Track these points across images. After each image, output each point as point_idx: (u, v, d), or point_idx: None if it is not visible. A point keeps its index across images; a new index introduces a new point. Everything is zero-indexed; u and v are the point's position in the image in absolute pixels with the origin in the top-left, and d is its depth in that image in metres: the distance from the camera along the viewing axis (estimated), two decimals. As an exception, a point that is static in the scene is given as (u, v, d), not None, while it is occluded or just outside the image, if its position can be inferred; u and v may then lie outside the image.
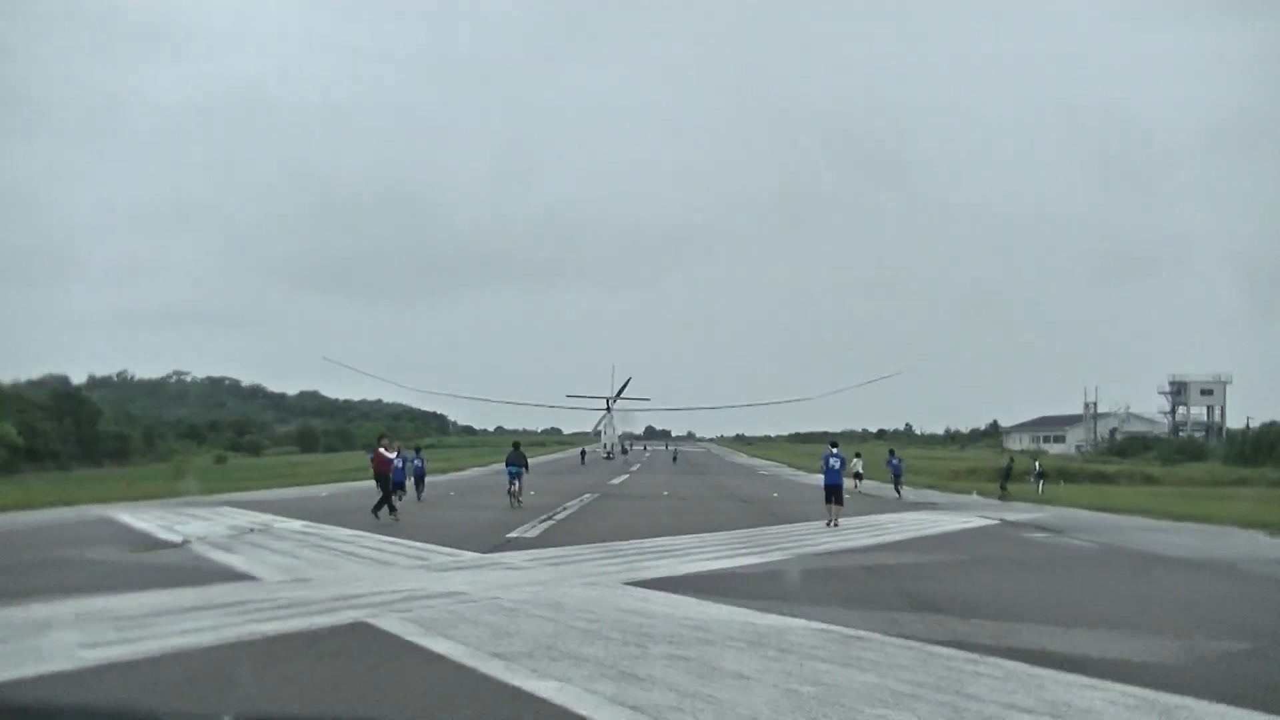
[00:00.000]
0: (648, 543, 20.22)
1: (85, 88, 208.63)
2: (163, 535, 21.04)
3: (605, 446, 49.43)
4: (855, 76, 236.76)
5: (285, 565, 15.76)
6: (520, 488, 29.91)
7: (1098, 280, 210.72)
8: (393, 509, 25.19)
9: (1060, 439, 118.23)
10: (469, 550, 18.08)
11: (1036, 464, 45.07)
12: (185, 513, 27.36)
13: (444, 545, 18.79)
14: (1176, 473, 69.72)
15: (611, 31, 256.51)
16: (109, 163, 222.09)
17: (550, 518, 26.72)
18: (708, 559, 17.57)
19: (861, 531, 24.19)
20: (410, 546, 18.68)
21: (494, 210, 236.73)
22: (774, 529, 24.83)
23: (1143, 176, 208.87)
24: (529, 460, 31.92)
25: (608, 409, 49.63)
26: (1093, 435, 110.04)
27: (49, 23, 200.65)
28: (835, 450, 27.02)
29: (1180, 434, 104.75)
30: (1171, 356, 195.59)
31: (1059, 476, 61.41)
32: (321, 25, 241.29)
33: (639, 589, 13.34)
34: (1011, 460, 45.11)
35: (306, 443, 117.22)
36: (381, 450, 25.59)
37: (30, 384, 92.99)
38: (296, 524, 23.72)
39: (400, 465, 28.44)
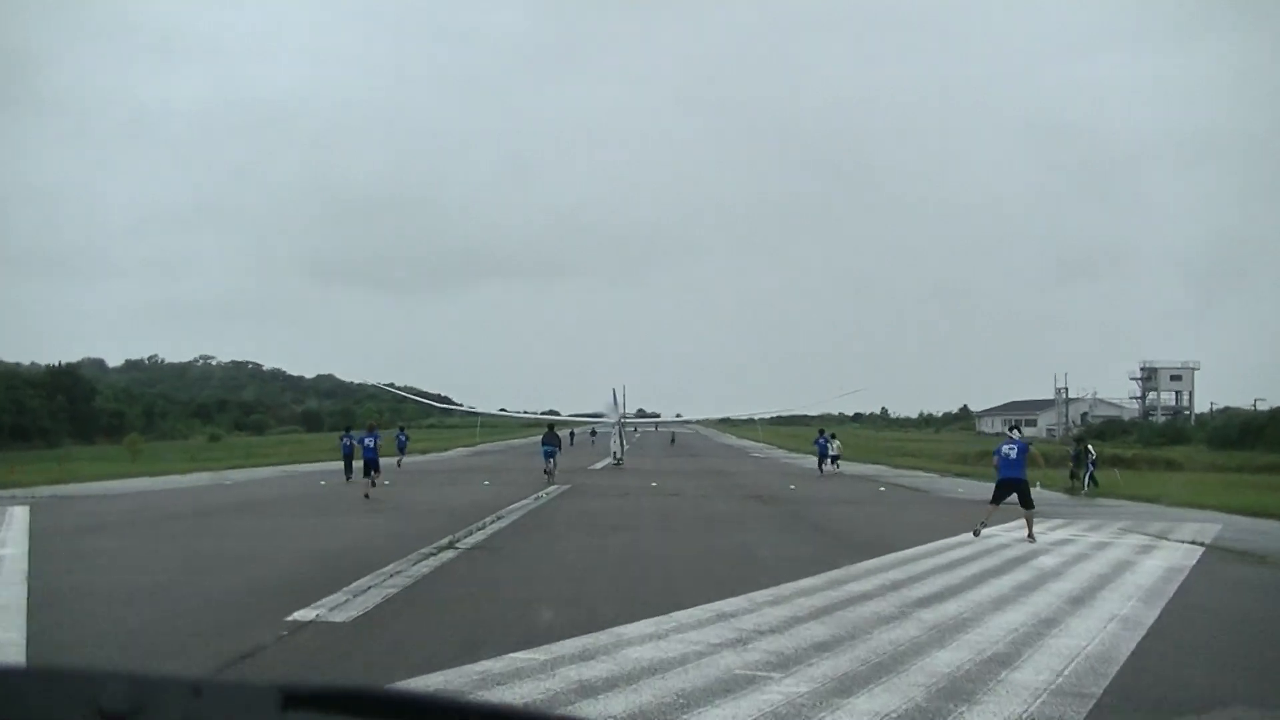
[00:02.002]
0: (593, 669, 6.92)
1: (121, 97, 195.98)
2: None
3: (614, 455, 41.06)
4: (834, 89, 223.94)
5: None
6: (554, 465, 28.80)
7: (1060, 274, 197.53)
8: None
9: (1031, 423, 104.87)
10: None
11: (1089, 449, 31.68)
12: None
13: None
14: (1194, 457, 56.52)
15: (607, 48, 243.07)
16: (144, 167, 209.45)
17: (453, 545, 13.41)
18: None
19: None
20: None
21: (498, 212, 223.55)
22: (897, 581, 11.51)
23: (1103, 177, 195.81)
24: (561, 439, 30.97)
25: (617, 424, 44.04)
26: (1064, 420, 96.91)
27: (90, 37, 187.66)
28: (1015, 435, 17.00)
29: (1150, 418, 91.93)
30: (1127, 346, 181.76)
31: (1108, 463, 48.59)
32: (337, 41, 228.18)
33: None
34: (1082, 445, 31.78)
35: (312, 423, 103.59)
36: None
37: (66, 366, 78.90)
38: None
39: (372, 445, 24.03)
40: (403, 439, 38.40)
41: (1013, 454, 15.44)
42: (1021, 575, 11.66)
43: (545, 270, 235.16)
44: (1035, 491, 29.07)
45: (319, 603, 8.95)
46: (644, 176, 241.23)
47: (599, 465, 40.94)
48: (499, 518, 17.45)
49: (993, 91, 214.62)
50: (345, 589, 9.64)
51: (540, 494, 23.64)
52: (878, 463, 48.07)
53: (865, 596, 9.87)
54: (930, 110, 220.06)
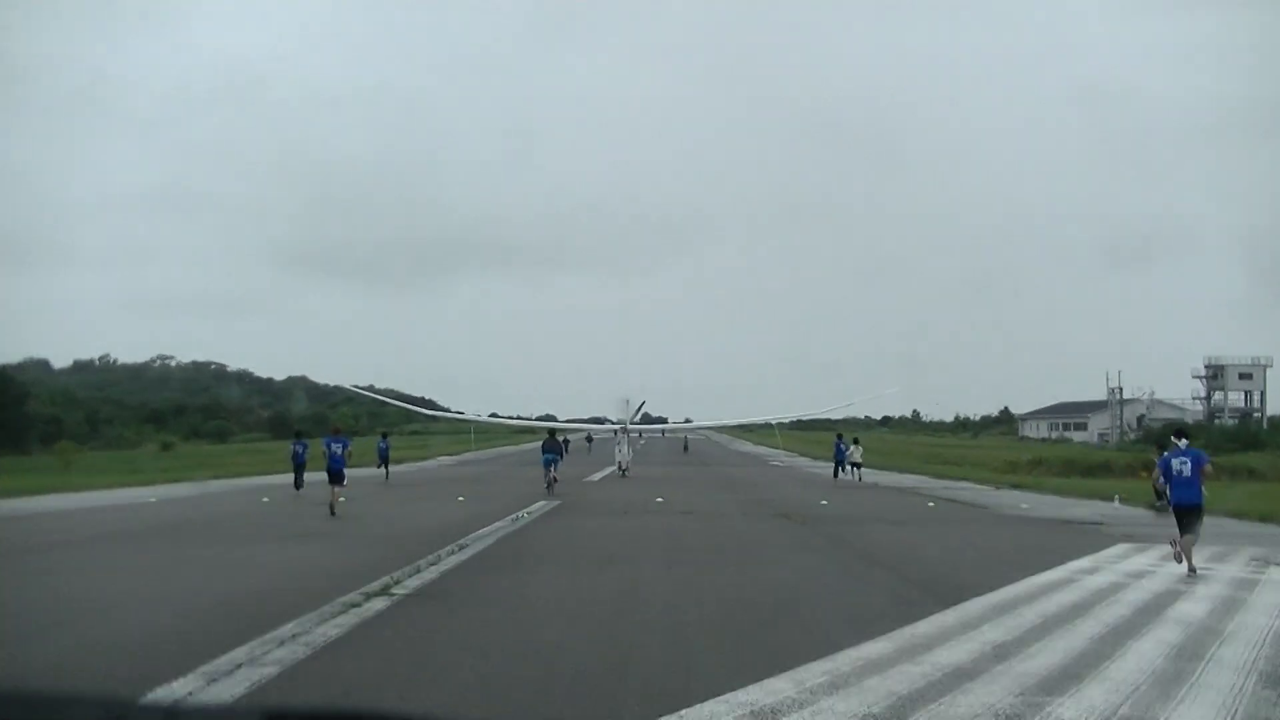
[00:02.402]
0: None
1: (76, 68, 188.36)
2: None
3: (619, 465, 40.34)
4: (859, 64, 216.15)
5: None
6: (556, 475, 28.56)
7: (1111, 261, 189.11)
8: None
9: (1082, 426, 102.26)
10: None
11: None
12: None
13: None
14: (1277, 465, 53.86)
15: (613, 19, 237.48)
16: (98, 145, 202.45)
17: (390, 590, 10.88)
18: None
19: None
20: None
21: (494, 197, 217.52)
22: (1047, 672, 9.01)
23: (1157, 158, 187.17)
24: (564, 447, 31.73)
25: (624, 429, 43.75)
26: (1119, 422, 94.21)
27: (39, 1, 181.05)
28: (1183, 443, 13.22)
29: (1216, 420, 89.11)
30: (1188, 341, 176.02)
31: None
32: (314, 6, 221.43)
33: None
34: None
35: (280, 429, 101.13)
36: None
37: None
38: None
39: (340, 453, 22.40)
40: (384, 446, 36.96)
41: (1186, 469, 12.73)
42: (1168, 633, 9.14)
43: (543, 261, 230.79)
44: (1112, 507, 26.74)
45: (168, 684, 6.50)
46: (654, 159, 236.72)
47: (598, 476, 38.61)
48: (462, 546, 14.97)
49: (1033, 57, 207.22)
50: (211, 662, 7.17)
51: (521, 513, 21.19)
52: (914, 471, 45.68)
53: (962, 673, 7.36)
54: (963, 82, 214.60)
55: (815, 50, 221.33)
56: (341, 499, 21.20)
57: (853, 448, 36.44)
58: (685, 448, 71.16)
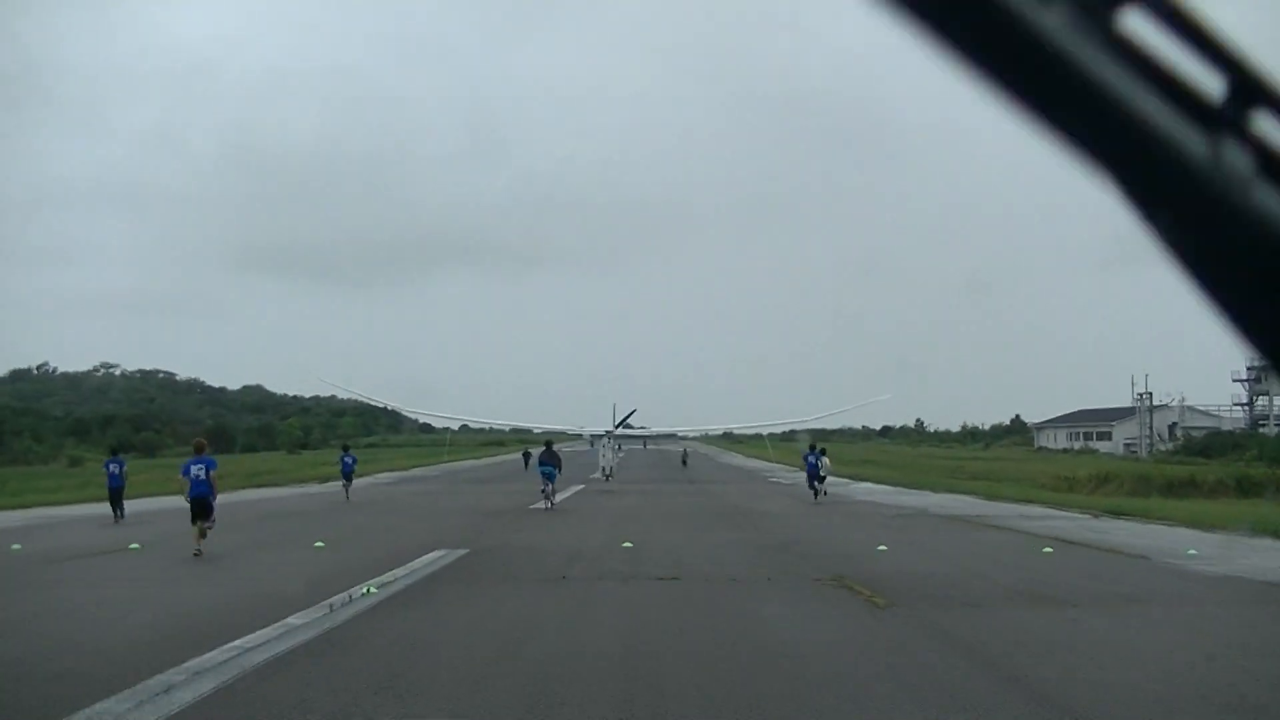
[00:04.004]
0: None
1: (1, 50, 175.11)
2: None
3: (603, 471, 39.55)
4: (847, 39, 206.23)
5: None
6: (553, 489, 27.71)
7: (1128, 252, 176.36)
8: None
9: (1106, 436, 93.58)
10: None
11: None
12: None
13: None
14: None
15: (589, 4, 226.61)
16: (33, 133, 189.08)
17: None
18: None
19: None
20: None
21: (461, 189, 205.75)
22: None
23: None
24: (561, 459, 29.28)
25: (609, 435, 43.56)
26: (1149, 431, 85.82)
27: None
28: None
29: (1260, 428, 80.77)
30: (1222, 340, 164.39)
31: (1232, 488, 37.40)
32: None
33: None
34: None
35: (216, 443, 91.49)
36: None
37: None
38: None
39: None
40: (349, 461, 32.66)
41: None
42: None
43: (514, 258, 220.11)
44: (1247, 540, 18.09)
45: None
46: (633, 150, 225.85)
47: (558, 496, 29.77)
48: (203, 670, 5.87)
49: None
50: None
51: (389, 576, 12.26)
52: (945, 489, 36.93)
53: None
54: (964, 86, 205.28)
55: (803, 37, 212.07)
56: (203, 539, 15.18)
57: (822, 459, 31.70)
58: (684, 461, 60.06)
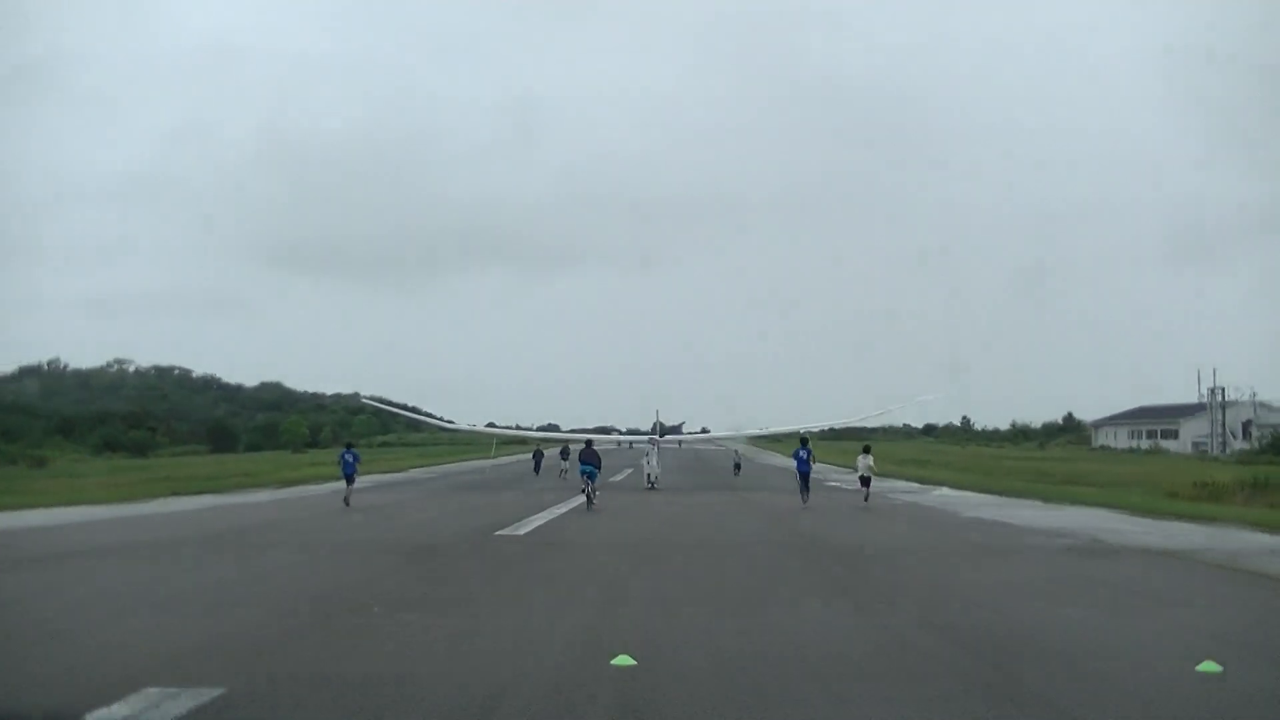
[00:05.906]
0: None
1: (26, 41, 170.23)
2: None
3: (649, 478, 37.87)
4: (894, 25, 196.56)
5: None
6: (595, 488, 28.20)
7: (1194, 242, 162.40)
8: None
9: (1171, 434, 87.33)
10: None
11: None
12: None
13: None
14: None
15: None
16: (55, 128, 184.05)
17: None
18: None
19: None
20: None
21: (494, 185, 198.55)
22: None
23: (1258, 113, 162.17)
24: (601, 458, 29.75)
25: (652, 441, 42.48)
26: (1220, 430, 79.59)
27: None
28: None
29: (1348, 427, 74.51)
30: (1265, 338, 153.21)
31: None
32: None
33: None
34: None
35: (221, 440, 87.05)
36: None
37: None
38: None
39: None
40: (351, 460, 29.31)
41: None
42: None
43: (546, 255, 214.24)
44: None
45: None
46: (670, 143, 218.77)
47: (561, 509, 24.57)
48: None
49: (1101, 16, 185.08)
50: None
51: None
52: (1069, 500, 29.88)
53: None
54: (1023, 48, 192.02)
55: (849, 26, 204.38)
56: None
57: (861, 456, 29.40)
58: (736, 469, 50.05)
